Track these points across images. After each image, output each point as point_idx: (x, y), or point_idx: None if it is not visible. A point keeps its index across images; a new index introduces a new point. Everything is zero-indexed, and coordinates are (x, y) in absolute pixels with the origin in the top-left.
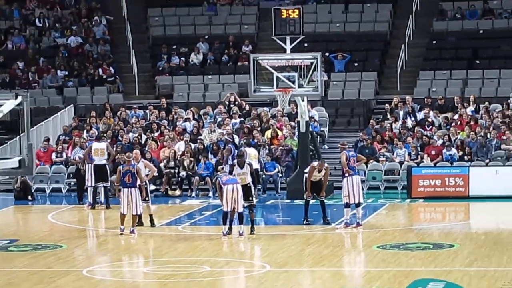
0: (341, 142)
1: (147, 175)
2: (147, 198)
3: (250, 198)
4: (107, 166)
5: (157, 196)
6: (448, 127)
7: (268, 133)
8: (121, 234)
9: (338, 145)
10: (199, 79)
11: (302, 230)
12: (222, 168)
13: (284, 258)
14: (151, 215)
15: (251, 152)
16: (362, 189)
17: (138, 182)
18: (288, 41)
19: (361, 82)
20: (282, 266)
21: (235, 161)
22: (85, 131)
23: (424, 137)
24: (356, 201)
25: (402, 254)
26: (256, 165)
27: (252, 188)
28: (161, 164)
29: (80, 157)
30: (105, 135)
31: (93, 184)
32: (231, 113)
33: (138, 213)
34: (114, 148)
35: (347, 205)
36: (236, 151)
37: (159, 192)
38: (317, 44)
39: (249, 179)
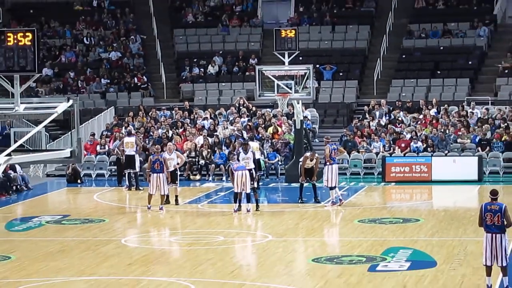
0: (326, 137)
1: (178, 163)
2: (176, 182)
3: (252, 182)
4: (135, 156)
5: (181, 180)
6: (415, 124)
7: (270, 129)
8: (148, 208)
9: (323, 139)
10: (215, 86)
11: (298, 207)
12: (233, 157)
13: (283, 230)
14: (176, 196)
15: (253, 144)
16: (345, 174)
17: (174, 166)
18: (286, 56)
19: (345, 88)
20: (281, 236)
21: (241, 149)
22: (123, 127)
23: (395, 132)
24: (334, 185)
25: (377, 227)
26: (258, 155)
27: (254, 173)
28: (184, 154)
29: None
30: (139, 131)
31: (124, 171)
32: (240, 113)
33: (166, 193)
34: (148, 142)
35: (332, 188)
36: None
37: (183, 177)
38: (310, 58)
39: (251, 165)
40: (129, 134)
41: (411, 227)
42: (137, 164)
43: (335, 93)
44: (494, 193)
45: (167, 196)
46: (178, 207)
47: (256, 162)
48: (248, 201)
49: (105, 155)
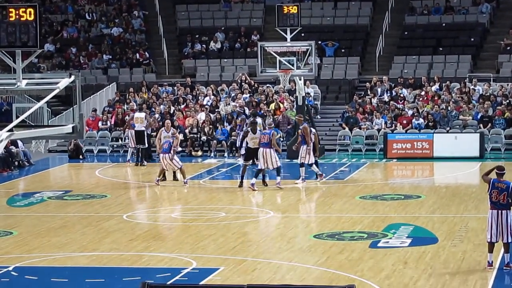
0: (298, 115)
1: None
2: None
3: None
4: (145, 131)
5: (183, 156)
6: (417, 101)
7: (272, 106)
8: (157, 182)
9: (295, 117)
10: (217, 62)
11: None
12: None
13: (285, 206)
14: (174, 172)
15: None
16: (347, 150)
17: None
18: (288, 32)
19: (347, 65)
20: (283, 213)
21: (249, 128)
22: (125, 103)
23: (397, 109)
24: (312, 161)
25: (379, 203)
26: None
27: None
28: (186, 130)
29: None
30: (141, 107)
31: (134, 146)
32: (242, 90)
33: (180, 166)
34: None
35: (302, 165)
36: (247, 119)
37: (185, 153)
38: (312, 34)
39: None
40: (140, 109)
41: (413, 204)
42: (146, 139)
43: (337, 70)
44: (501, 168)
45: (164, 173)
46: (180, 182)
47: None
48: (278, 174)
49: (106, 131)
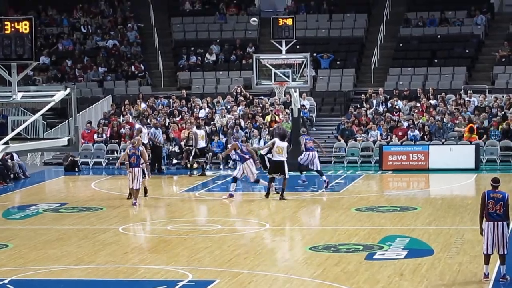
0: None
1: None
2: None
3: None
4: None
5: (178, 168)
6: (412, 113)
7: (268, 118)
8: (134, 204)
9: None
10: (212, 75)
11: (295, 195)
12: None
13: (281, 218)
14: (145, 187)
15: (200, 133)
16: (343, 162)
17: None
18: (283, 44)
19: (342, 77)
20: (279, 225)
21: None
22: (120, 116)
23: (392, 121)
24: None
25: (375, 215)
26: (203, 144)
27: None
28: (182, 143)
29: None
30: (138, 119)
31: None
32: (238, 102)
33: (137, 188)
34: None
35: (235, 180)
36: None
37: (180, 165)
38: (307, 46)
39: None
40: (140, 121)
41: (408, 216)
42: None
43: (332, 82)
44: (496, 180)
45: (145, 188)
46: (176, 195)
47: (202, 150)
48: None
49: (102, 144)
